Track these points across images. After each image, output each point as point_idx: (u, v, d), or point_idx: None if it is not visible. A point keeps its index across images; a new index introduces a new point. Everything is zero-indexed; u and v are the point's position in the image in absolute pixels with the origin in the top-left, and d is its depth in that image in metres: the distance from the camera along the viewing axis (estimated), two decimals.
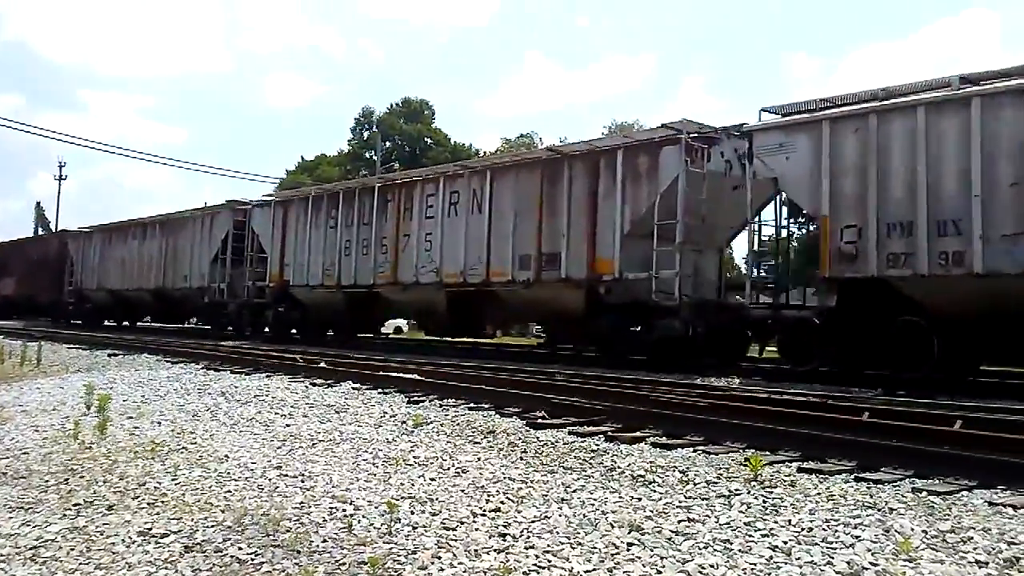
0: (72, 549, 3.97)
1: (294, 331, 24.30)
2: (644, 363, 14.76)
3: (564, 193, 16.28)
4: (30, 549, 3.97)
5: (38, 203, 75.50)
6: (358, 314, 22.52)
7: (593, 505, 4.76)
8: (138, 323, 35.95)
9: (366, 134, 64.00)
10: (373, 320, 24.90)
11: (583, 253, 15.78)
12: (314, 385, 11.11)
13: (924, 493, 5.04)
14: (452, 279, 18.50)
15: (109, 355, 17.38)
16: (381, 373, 11.63)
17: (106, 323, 34.89)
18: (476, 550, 3.89)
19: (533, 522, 4.38)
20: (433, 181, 19.64)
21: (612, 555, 3.83)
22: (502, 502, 4.82)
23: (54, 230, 58.20)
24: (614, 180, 15.44)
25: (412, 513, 4.54)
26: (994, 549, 3.93)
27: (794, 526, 4.31)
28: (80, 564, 3.77)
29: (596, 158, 16.04)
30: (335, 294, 21.98)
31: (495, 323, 24.50)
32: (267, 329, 24.78)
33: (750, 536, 4.13)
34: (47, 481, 5.45)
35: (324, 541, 4.04)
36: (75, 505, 4.80)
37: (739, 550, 3.91)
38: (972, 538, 4.09)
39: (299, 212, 23.65)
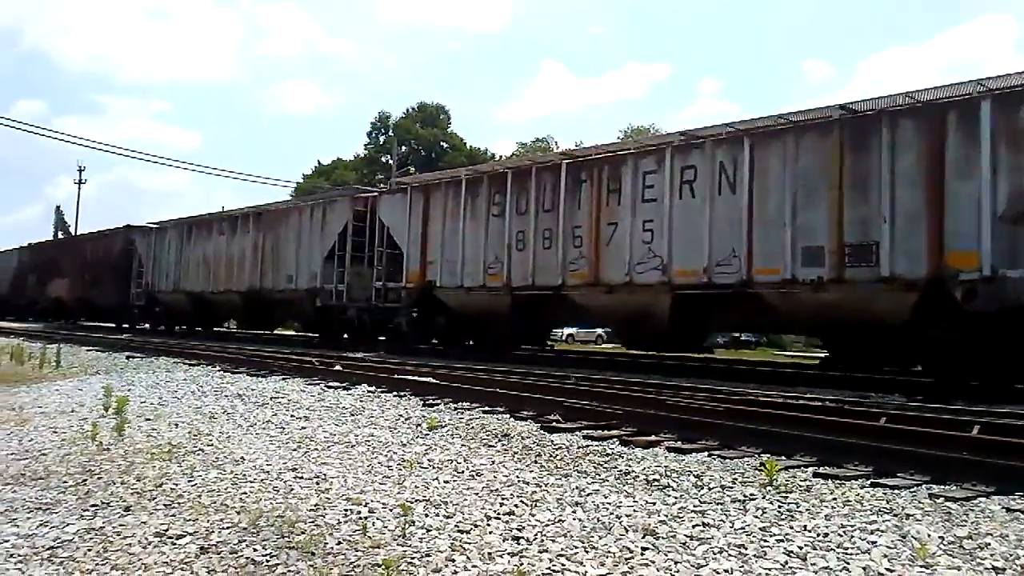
0: (89, 550, 4.00)
1: (434, 341, 20.61)
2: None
3: (881, 162, 12.03)
4: (47, 550, 4.01)
5: (58, 207, 76.16)
6: (526, 321, 18.34)
7: (607, 509, 4.75)
8: (219, 328, 32.40)
9: (382, 138, 64.22)
10: (543, 328, 21.14)
11: (921, 243, 11.59)
12: (330, 388, 11.14)
13: (941, 499, 5.01)
14: (687, 278, 14.42)
15: (127, 357, 17.50)
16: (396, 376, 11.66)
17: (171, 328, 31.33)
18: (490, 553, 3.90)
19: (547, 526, 4.38)
20: (652, 154, 15.32)
21: (626, 559, 3.83)
22: (516, 505, 4.82)
23: (73, 233, 58.38)
24: (975, 142, 11.19)
25: (426, 516, 4.55)
26: (1011, 555, 3.90)
27: (810, 531, 4.29)
28: (97, 565, 3.80)
29: (940, 113, 11.76)
30: (499, 297, 17.81)
31: (745, 332, 20.41)
32: (397, 338, 20.85)
33: (765, 541, 4.11)
34: (65, 482, 5.49)
35: (339, 543, 4.06)
36: (92, 506, 4.83)
37: (754, 555, 3.90)
38: (989, 544, 4.06)
39: (447, 199, 19.34)
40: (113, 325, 34.80)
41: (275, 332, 31.50)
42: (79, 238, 39.48)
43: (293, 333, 31.62)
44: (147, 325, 32.29)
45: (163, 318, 31.39)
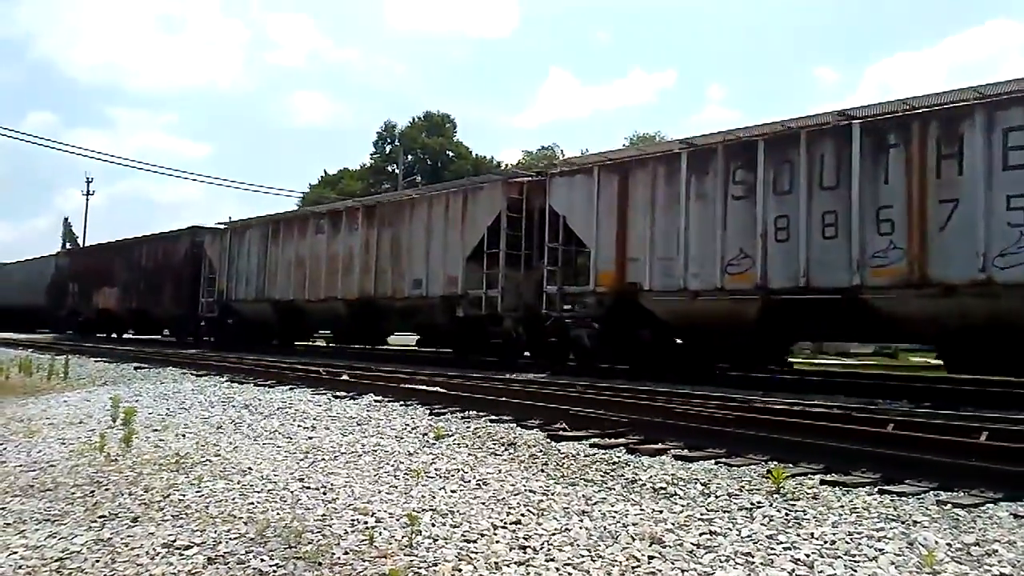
0: (97, 561, 4.02)
1: (625, 362, 15.82)
2: None
3: None
4: (56, 561, 4.02)
5: (66, 219, 76.36)
6: (781, 334, 14.35)
7: (614, 518, 4.75)
8: (303, 343, 28.17)
9: (388, 148, 64.43)
10: (789, 342, 16.57)
11: None
12: (336, 398, 11.16)
13: (948, 506, 4.99)
14: None
15: (135, 368, 17.56)
16: (403, 386, 11.67)
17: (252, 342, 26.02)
18: (496, 563, 3.90)
19: (554, 535, 4.38)
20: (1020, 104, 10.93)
21: (633, 568, 3.83)
22: (523, 514, 4.82)
23: (82, 245, 58.19)
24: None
25: (433, 525, 4.55)
26: (1019, 562, 3.89)
27: (817, 539, 4.28)
28: None
29: None
30: (743, 303, 13.60)
31: None
32: (578, 356, 16.54)
33: (772, 549, 4.11)
34: (73, 493, 5.51)
35: (345, 553, 4.06)
36: (100, 517, 4.85)
37: (761, 563, 3.89)
38: (997, 551, 4.05)
39: (656, 179, 14.91)
40: (172, 339, 31.72)
41: (389, 346, 26.84)
42: (132, 241, 34.21)
43: (404, 347, 27.48)
44: (212, 339, 27.69)
45: (241, 330, 26.54)
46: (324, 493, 5.39)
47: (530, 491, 5.46)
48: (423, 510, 4.88)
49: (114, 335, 35.57)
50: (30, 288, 42.69)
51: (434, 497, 5.28)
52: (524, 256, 17.83)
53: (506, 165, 57.60)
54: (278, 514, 4.86)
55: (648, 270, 14.81)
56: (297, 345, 27.27)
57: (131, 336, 35.36)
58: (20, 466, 6.50)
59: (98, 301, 35.40)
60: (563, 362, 16.77)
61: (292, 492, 5.43)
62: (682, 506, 5.09)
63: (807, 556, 3.98)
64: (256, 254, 26.08)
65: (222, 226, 28.42)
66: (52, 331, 39.36)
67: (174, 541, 4.29)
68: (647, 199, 15.01)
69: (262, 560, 3.97)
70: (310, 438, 7.76)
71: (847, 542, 4.21)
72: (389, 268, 20.79)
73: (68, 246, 64.44)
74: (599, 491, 5.53)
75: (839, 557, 3.96)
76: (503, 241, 17.77)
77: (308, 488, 5.55)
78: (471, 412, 9.42)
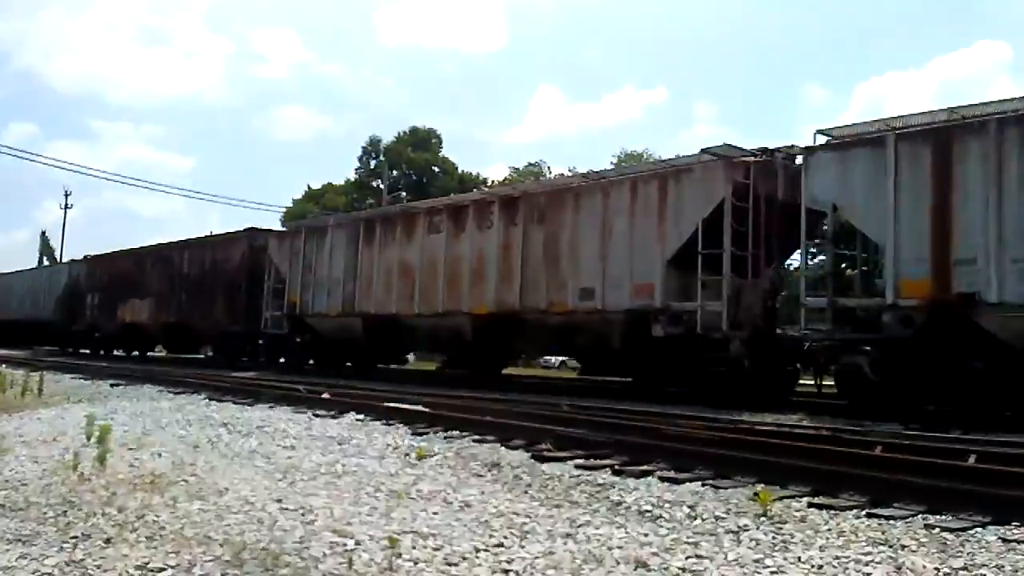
0: None
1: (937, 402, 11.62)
2: None
3: None
4: None
5: (43, 232, 75.43)
6: None
7: (599, 540, 4.67)
8: (386, 366, 23.76)
9: (373, 163, 64.35)
10: None
11: None
12: (317, 416, 11.02)
13: (937, 529, 4.95)
14: None
15: (111, 385, 17.33)
16: (385, 404, 11.55)
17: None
18: None
19: (537, 558, 4.29)
20: None
21: None
22: (505, 537, 4.73)
23: (59, 260, 56.92)
24: None
25: (414, 548, 4.45)
26: None
27: (804, 563, 4.22)
28: None
29: None
30: None
31: None
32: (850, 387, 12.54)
33: (759, 573, 4.06)
34: (45, 513, 5.37)
35: None
36: (73, 538, 4.72)
37: None
38: (985, 575, 3.99)
39: (1008, 145, 11.11)
40: (212, 358, 28.01)
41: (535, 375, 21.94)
42: (169, 246, 30.38)
43: (535, 374, 23.13)
44: (282, 359, 24.08)
45: (313, 350, 23.13)
46: (303, 515, 5.28)
47: (514, 513, 5.37)
48: (404, 532, 4.77)
49: (135, 352, 32.19)
50: (35, 300, 39.69)
51: (415, 519, 5.18)
52: (752, 258, 13.84)
53: (492, 182, 57.64)
54: (255, 536, 4.74)
55: (993, 275, 10.97)
56: (386, 368, 23.64)
57: (158, 355, 32.85)
58: None
59: (124, 315, 31.56)
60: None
61: (270, 513, 5.31)
62: (668, 529, 5.03)
63: None
64: (342, 259, 21.74)
65: (299, 227, 24.76)
66: (61, 348, 35.84)
67: (148, 563, 4.17)
68: (988, 175, 11.20)
69: None
70: (289, 458, 7.63)
71: (835, 566, 4.16)
72: (542, 274, 16.68)
73: (45, 261, 63.79)
74: (584, 513, 5.45)
75: None
76: (728, 238, 13.69)
77: (286, 509, 5.43)
78: (454, 432, 9.29)
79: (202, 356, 30.46)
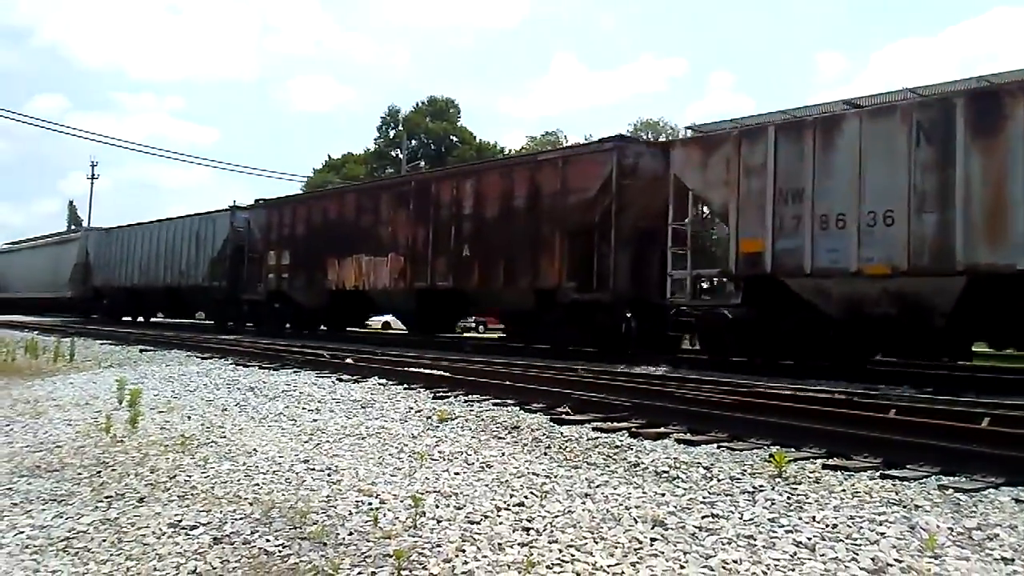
0: (104, 540, 4.05)
1: None
2: None
3: None
4: (63, 540, 4.06)
5: (71, 202, 76.46)
6: None
7: (616, 500, 4.77)
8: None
9: (392, 133, 64.24)
10: None
11: None
12: (341, 381, 11.19)
13: (950, 490, 5.00)
14: None
15: (141, 351, 17.62)
16: (407, 369, 11.69)
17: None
18: (500, 544, 3.93)
19: (557, 516, 4.40)
20: None
21: (635, 550, 3.85)
22: (526, 497, 4.84)
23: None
24: None
25: (437, 507, 4.58)
26: (1020, 546, 3.90)
27: (818, 522, 4.30)
28: (111, 555, 3.85)
29: None
30: None
31: None
32: None
33: (774, 532, 4.13)
34: (80, 474, 5.55)
35: (350, 534, 4.09)
36: (107, 497, 4.89)
37: (763, 546, 3.91)
38: (998, 535, 4.06)
39: None
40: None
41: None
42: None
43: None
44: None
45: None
46: (329, 475, 5.42)
47: (533, 474, 5.49)
48: (427, 492, 4.90)
49: (140, 319, 32.72)
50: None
51: (438, 479, 5.30)
52: None
53: (509, 150, 57.45)
54: (283, 495, 4.89)
55: None
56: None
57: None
58: (27, 447, 6.54)
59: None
60: None
61: (297, 473, 5.46)
62: (684, 489, 5.11)
63: (809, 539, 3.99)
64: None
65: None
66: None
67: (180, 521, 4.32)
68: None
69: (267, 540, 4.00)
70: (314, 420, 7.79)
71: (849, 526, 4.23)
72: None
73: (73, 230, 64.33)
74: (602, 474, 5.55)
75: (841, 540, 3.98)
76: None
77: (313, 470, 5.58)
78: (474, 396, 9.43)
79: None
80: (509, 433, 7.17)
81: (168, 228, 30.22)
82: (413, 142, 61.48)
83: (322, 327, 24.47)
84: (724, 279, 14.83)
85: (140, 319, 33.55)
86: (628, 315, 15.88)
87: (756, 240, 12.99)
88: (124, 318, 33.28)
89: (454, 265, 18.78)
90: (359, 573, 3.57)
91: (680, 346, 16.75)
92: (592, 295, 15.86)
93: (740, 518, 4.40)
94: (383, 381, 11.03)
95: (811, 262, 12.26)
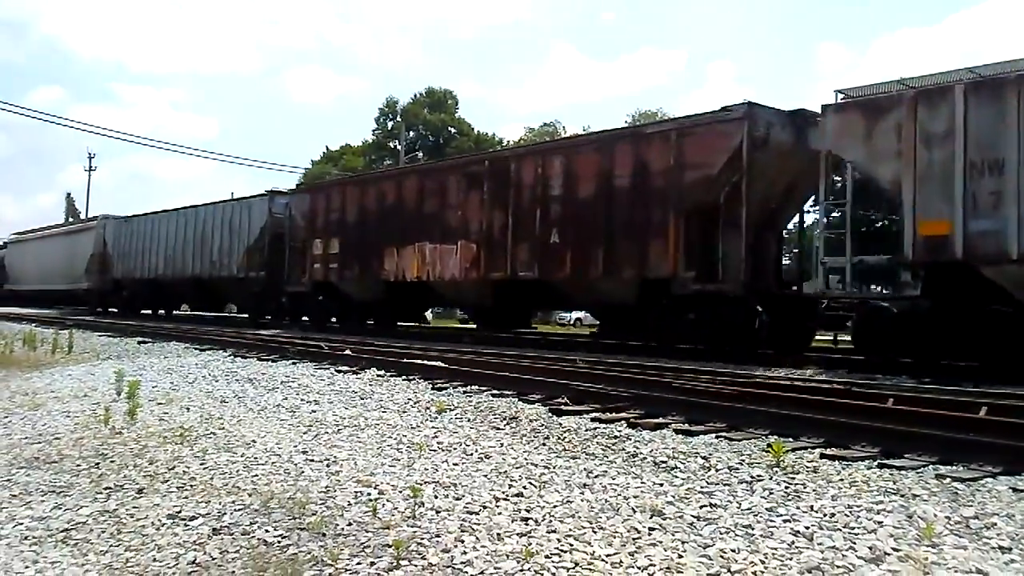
0: (103, 532, 4.06)
1: None
2: None
3: None
4: (62, 532, 4.07)
5: (68, 194, 76.36)
6: None
7: (615, 490, 4.78)
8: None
9: (390, 124, 64.11)
10: None
11: None
12: (339, 372, 11.19)
13: (948, 479, 5.02)
14: None
15: (139, 343, 17.61)
16: (406, 360, 11.70)
17: None
18: (499, 534, 3.93)
19: (555, 507, 4.41)
20: None
21: (633, 539, 3.86)
22: (524, 487, 4.85)
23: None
24: None
25: (436, 497, 4.58)
26: (1018, 535, 3.91)
27: (816, 512, 4.31)
28: (111, 546, 3.86)
29: None
30: None
31: None
32: None
33: (772, 521, 4.14)
34: (78, 465, 5.56)
35: (349, 524, 4.10)
36: (106, 489, 4.89)
37: (761, 535, 3.92)
38: (996, 524, 4.07)
39: None
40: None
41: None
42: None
43: None
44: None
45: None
46: (327, 466, 5.43)
47: (532, 464, 5.49)
48: (426, 482, 4.91)
49: (162, 312, 31.45)
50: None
51: (437, 470, 5.31)
52: None
53: (507, 142, 57.34)
54: (282, 486, 4.90)
55: None
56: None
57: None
58: (25, 438, 6.55)
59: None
60: None
61: (296, 464, 5.47)
62: (682, 479, 5.12)
63: (806, 528, 4.00)
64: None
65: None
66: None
67: (179, 512, 4.33)
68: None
69: (267, 531, 4.01)
70: (313, 411, 7.80)
71: (846, 515, 4.23)
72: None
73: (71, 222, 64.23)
74: (600, 464, 5.56)
75: (838, 529, 3.99)
76: None
77: (312, 461, 5.58)
78: (473, 386, 9.43)
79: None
80: (508, 424, 7.17)
81: (197, 215, 28.33)
82: (411, 133, 61.34)
83: (369, 321, 22.45)
84: (898, 267, 12.06)
85: (162, 312, 32.29)
86: (759, 309, 13.76)
87: (940, 221, 11.10)
88: (144, 311, 31.87)
89: (539, 253, 16.99)
90: (358, 563, 3.58)
91: (810, 344, 15.00)
92: (716, 285, 14.10)
93: (738, 507, 4.41)
94: (381, 372, 11.02)
95: (1018, 246, 10.49)
